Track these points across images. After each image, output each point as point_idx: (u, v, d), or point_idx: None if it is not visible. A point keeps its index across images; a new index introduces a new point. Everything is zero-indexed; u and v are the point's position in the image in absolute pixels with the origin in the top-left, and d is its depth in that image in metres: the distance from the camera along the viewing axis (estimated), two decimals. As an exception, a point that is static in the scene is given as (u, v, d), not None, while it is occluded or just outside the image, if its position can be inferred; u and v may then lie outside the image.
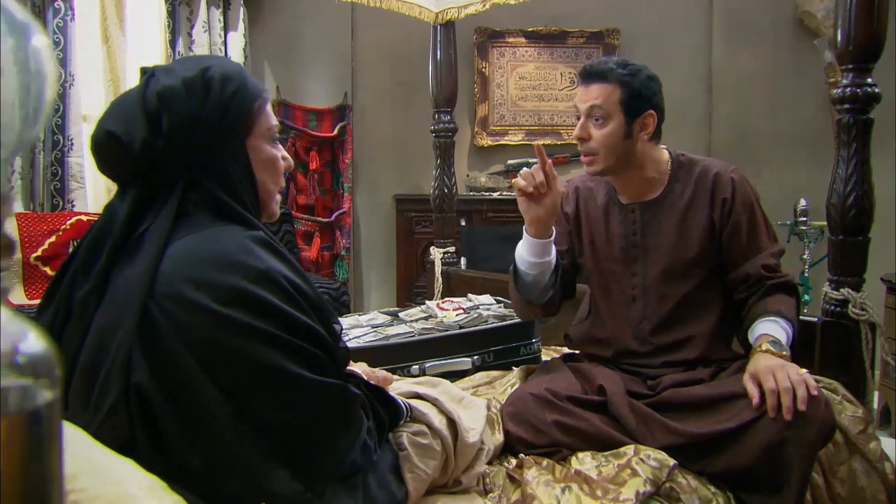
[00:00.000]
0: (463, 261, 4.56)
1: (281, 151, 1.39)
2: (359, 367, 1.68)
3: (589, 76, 2.03)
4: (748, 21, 5.60)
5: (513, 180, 2.02)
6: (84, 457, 0.98)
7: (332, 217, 5.46)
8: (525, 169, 1.98)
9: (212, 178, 1.26)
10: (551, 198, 1.97)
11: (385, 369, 2.23)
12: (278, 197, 1.40)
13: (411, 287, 5.36)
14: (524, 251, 2.08)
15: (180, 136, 1.21)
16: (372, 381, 1.57)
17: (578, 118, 2.05)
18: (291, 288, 1.21)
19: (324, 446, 1.26)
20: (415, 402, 1.62)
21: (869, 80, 2.20)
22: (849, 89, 2.20)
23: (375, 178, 5.72)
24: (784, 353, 1.84)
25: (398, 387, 1.74)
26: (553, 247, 2.08)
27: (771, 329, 1.92)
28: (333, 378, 1.27)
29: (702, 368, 2.03)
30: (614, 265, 2.14)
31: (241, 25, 4.92)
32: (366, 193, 5.72)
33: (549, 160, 1.98)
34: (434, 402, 1.65)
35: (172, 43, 4.51)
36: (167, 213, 1.21)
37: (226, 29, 4.86)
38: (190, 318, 1.13)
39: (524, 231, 2.06)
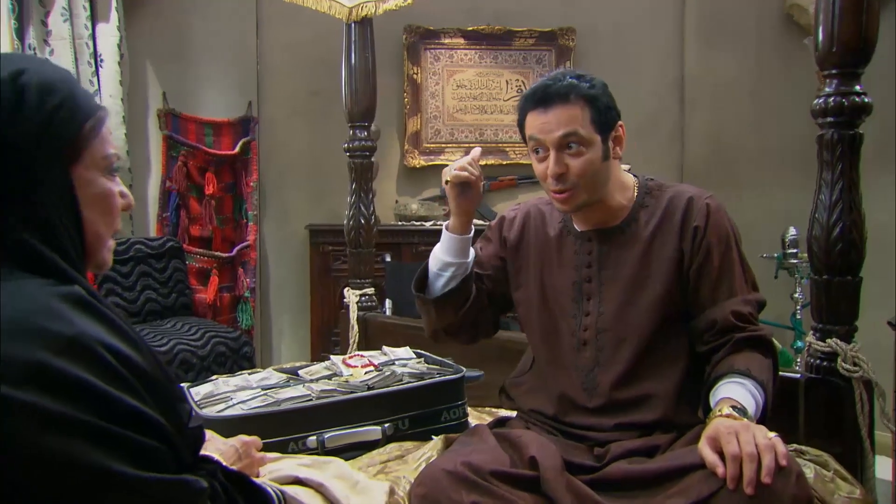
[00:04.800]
0: (387, 304, 4.50)
1: (119, 186, 1.29)
2: (213, 448, 1.57)
3: (546, 99, 2.02)
4: (727, 18, 5.64)
5: (448, 174, 2.18)
6: None
7: (234, 251, 5.38)
8: (459, 162, 2.17)
9: (18, 216, 1.14)
10: (478, 186, 2.18)
11: (274, 442, 2.16)
12: (111, 243, 1.30)
13: (329, 335, 5.27)
14: (443, 252, 2.23)
15: None
16: (236, 465, 1.47)
17: (537, 151, 2.06)
18: (113, 359, 1.10)
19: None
20: (293, 490, 1.56)
21: (857, 88, 2.18)
22: (832, 99, 2.18)
23: (286, 205, 5.65)
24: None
25: (277, 469, 1.67)
26: (472, 252, 2.25)
27: (736, 393, 1.87)
28: (172, 472, 1.16)
29: (660, 434, 2.00)
30: (563, 300, 2.16)
31: (114, 15, 4.76)
32: (274, 223, 5.65)
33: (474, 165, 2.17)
34: (319, 489, 1.58)
35: (20, 32, 4.35)
36: None
37: (94, 18, 4.70)
38: None
39: (445, 230, 2.23)
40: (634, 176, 2.17)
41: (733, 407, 1.80)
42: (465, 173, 2.13)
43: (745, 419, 1.77)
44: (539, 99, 2.02)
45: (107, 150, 1.25)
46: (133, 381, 1.11)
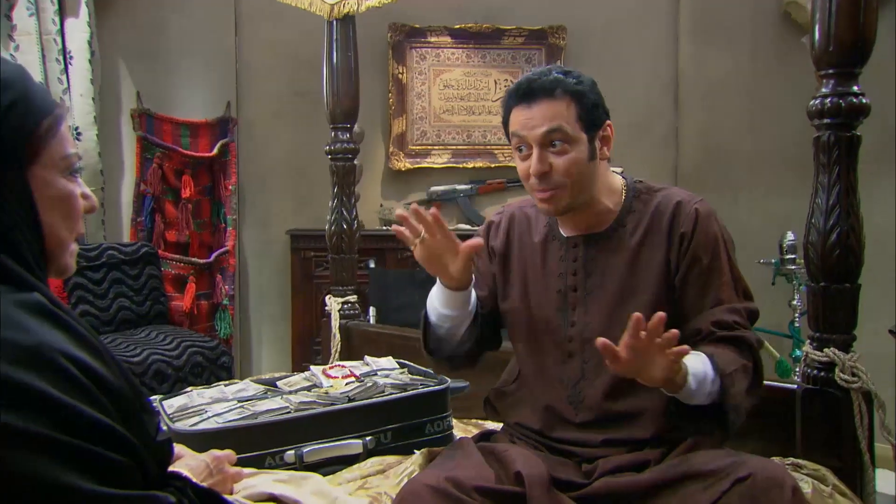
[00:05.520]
0: (371, 312, 4.48)
1: (81, 187, 1.27)
2: (183, 464, 1.55)
3: (531, 94, 1.98)
4: (722, 15, 5.63)
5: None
6: None
7: (212, 257, 5.35)
8: (400, 210, 2.06)
9: None
10: (453, 251, 2.00)
11: (251, 456, 2.14)
12: (74, 247, 1.28)
13: (310, 344, 5.25)
14: (438, 301, 2.11)
15: None
16: (207, 481, 1.46)
17: (520, 149, 2.02)
18: (75, 369, 1.08)
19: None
20: (267, 508, 1.52)
21: (854, 88, 2.17)
22: (829, 100, 2.16)
23: (266, 209, 5.64)
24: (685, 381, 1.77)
25: (252, 485, 1.66)
26: (473, 295, 2.11)
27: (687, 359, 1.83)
28: (138, 488, 1.14)
29: (650, 449, 1.97)
30: (548, 311, 2.13)
31: (83, 10, 4.71)
32: (254, 228, 5.63)
33: (429, 210, 1.99)
34: (294, 507, 1.56)
35: (-18, 28, 4.32)
36: None
37: (62, 13, 4.64)
38: None
39: (438, 279, 2.09)
40: (623, 178, 2.14)
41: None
42: (407, 232, 2.00)
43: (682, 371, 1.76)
44: (523, 94, 1.99)
45: (66, 150, 1.23)
46: (96, 392, 1.10)
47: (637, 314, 1.68)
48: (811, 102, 2.21)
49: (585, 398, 2.04)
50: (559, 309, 2.10)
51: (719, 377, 1.84)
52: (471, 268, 2.03)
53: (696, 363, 1.83)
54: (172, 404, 2.42)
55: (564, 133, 1.96)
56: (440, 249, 2.00)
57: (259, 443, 2.25)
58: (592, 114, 1.99)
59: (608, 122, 2.04)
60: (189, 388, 2.63)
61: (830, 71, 2.18)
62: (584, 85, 1.99)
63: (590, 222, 2.10)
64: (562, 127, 1.95)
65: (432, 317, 2.15)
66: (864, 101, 2.16)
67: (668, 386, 1.78)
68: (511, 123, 2.03)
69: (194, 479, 1.43)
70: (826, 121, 2.17)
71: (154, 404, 2.40)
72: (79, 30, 4.71)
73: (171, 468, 1.34)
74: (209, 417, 2.32)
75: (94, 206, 1.31)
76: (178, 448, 1.55)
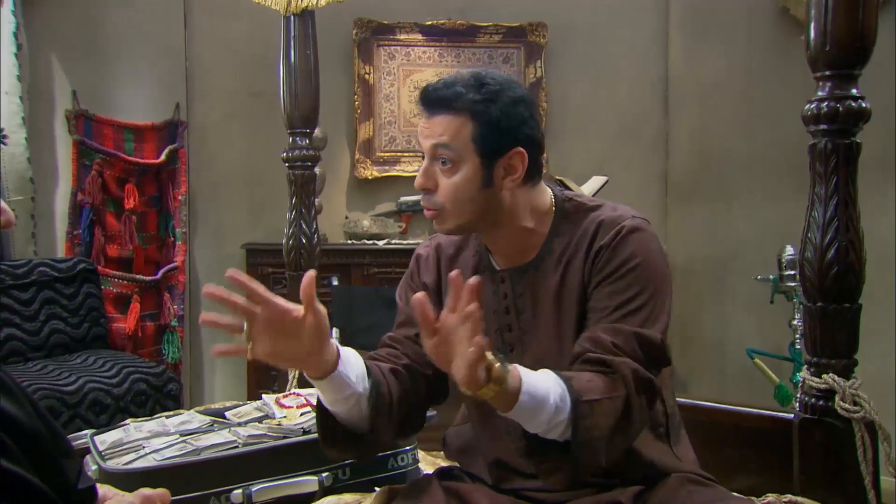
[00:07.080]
0: (334, 333, 4.44)
1: None
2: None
3: (430, 103, 1.91)
4: (715, 11, 5.66)
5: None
6: None
7: (159, 274, 5.34)
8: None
9: None
10: (308, 320, 1.74)
11: (193, 497, 2.12)
12: None
13: (268, 370, 5.20)
14: (322, 394, 1.91)
15: None
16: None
17: (423, 158, 1.94)
18: None
19: None
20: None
21: (853, 92, 2.16)
22: (825, 104, 2.15)
23: (219, 222, 5.63)
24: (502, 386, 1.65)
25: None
26: (349, 372, 1.87)
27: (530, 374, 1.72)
28: None
29: (619, 490, 1.90)
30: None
31: (8, -2, 4.67)
32: (206, 242, 5.63)
33: (252, 286, 1.73)
34: (236, 555, 1.53)
35: None
36: None
37: (-19, 2, 4.59)
38: None
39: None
40: (554, 196, 2.02)
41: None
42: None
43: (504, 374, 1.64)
44: (423, 100, 1.92)
45: None
46: (2, 435, 1.07)
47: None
48: (806, 107, 2.20)
49: (533, 447, 1.85)
50: (498, 350, 1.84)
51: (573, 416, 1.71)
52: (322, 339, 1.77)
53: (540, 378, 1.72)
54: (105, 440, 2.38)
55: (451, 152, 1.87)
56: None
57: (202, 482, 2.22)
58: (491, 137, 1.87)
59: (519, 149, 1.89)
60: (127, 421, 2.59)
61: (827, 72, 2.17)
62: (492, 104, 1.87)
63: (517, 251, 2.01)
64: (448, 145, 1.87)
65: (334, 409, 1.92)
66: (864, 105, 2.14)
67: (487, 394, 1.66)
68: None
69: (120, 526, 1.40)
70: (822, 127, 2.16)
71: (83, 441, 2.37)
72: (2, 20, 4.66)
73: (94, 515, 1.32)
74: (146, 454, 2.28)
75: (11, 222, 1.27)
76: (105, 489, 1.52)
